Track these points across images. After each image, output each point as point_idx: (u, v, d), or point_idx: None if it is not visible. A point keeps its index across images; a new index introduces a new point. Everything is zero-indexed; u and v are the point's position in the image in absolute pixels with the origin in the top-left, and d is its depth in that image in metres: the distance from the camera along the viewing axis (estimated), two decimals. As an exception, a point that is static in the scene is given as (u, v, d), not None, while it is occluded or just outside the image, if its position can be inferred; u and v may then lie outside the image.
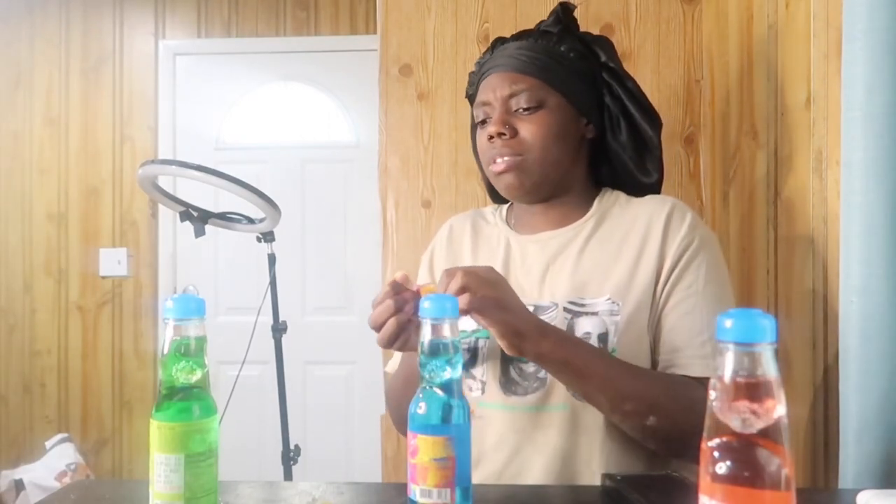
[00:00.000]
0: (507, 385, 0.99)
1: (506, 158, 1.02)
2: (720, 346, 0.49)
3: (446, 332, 0.66)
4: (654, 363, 0.98)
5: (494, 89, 1.04)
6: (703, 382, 0.89)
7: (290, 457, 2.04)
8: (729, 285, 1.02)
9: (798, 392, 1.15)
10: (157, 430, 0.66)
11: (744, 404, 0.47)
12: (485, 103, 1.06)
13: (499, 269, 1.07)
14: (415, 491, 0.65)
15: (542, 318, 1.00)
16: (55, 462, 2.70)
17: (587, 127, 1.08)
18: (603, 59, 1.08)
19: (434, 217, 1.75)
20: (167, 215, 2.97)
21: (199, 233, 1.94)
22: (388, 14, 1.78)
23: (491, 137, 1.03)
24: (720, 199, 1.60)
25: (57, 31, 3.09)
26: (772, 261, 1.30)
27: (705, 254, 0.99)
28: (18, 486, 2.60)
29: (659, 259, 0.98)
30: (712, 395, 0.49)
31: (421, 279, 1.17)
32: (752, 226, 1.39)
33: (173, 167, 1.89)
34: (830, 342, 1.06)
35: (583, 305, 0.99)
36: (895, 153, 0.85)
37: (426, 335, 0.67)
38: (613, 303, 0.97)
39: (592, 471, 0.94)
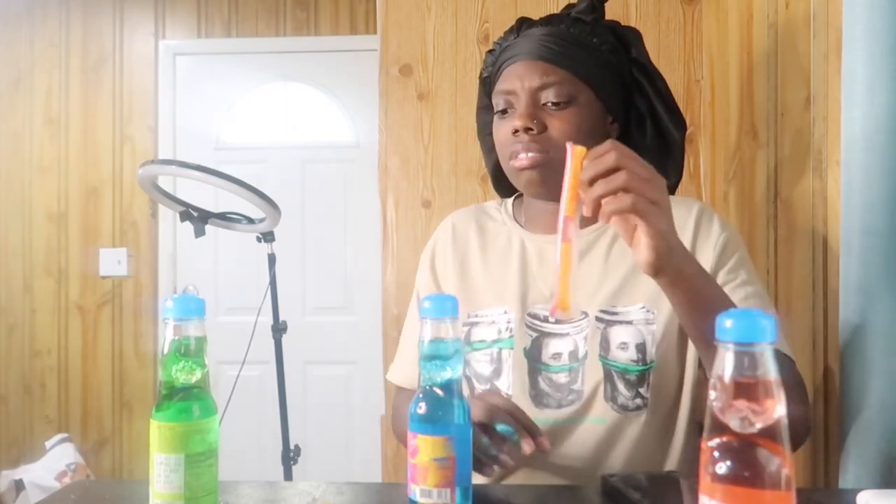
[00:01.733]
0: (538, 398, 0.95)
1: (530, 155, 0.95)
2: (720, 345, 0.49)
3: (446, 332, 0.66)
4: (683, 373, 0.94)
5: (522, 78, 0.97)
6: (790, 358, 0.88)
7: (290, 457, 2.04)
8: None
9: (798, 392, 1.15)
10: (157, 430, 0.66)
11: (743, 404, 0.47)
12: (509, 92, 0.98)
13: (515, 271, 1.02)
14: (415, 491, 0.65)
15: (572, 327, 0.96)
16: (55, 462, 2.70)
17: (612, 125, 1.02)
18: (633, 54, 1.02)
19: (434, 217, 1.74)
20: (167, 215, 2.97)
21: (199, 233, 1.94)
22: (388, 14, 1.77)
23: (516, 131, 0.96)
24: (720, 199, 1.59)
25: (57, 32, 3.09)
26: (772, 261, 1.30)
27: (740, 251, 0.96)
28: (18, 486, 2.60)
29: None
30: (712, 394, 0.49)
31: (421, 280, 1.12)
32: (753, 225, 1.39)
33: (173, 167, 1.89)
34: (830, 342, 1.06)
35: (615, 314, 0.94)
36: (895, 153, 0.85)
37: (426, 335, 0.67)
38: (648, 311, 0.93)
39: None
